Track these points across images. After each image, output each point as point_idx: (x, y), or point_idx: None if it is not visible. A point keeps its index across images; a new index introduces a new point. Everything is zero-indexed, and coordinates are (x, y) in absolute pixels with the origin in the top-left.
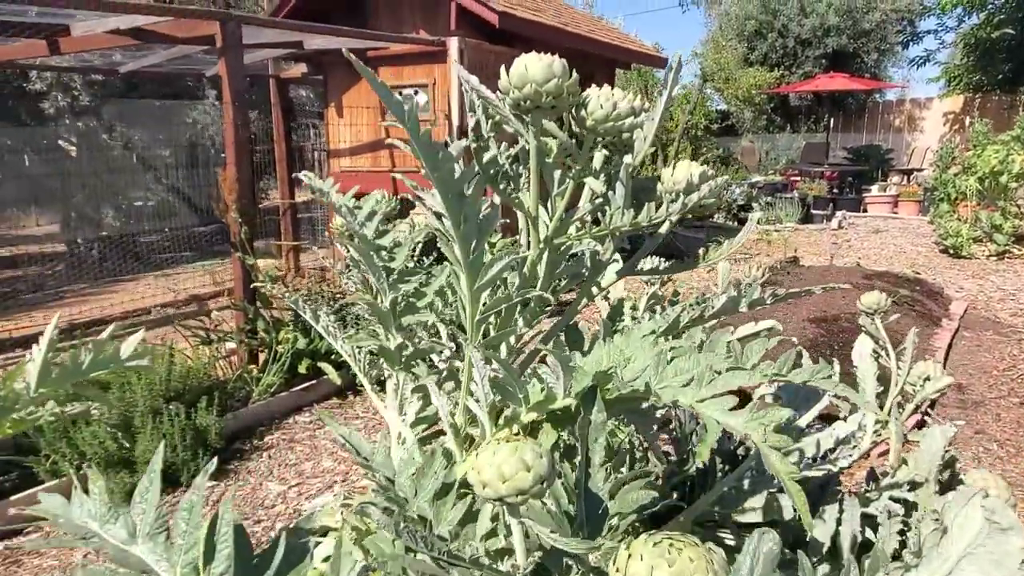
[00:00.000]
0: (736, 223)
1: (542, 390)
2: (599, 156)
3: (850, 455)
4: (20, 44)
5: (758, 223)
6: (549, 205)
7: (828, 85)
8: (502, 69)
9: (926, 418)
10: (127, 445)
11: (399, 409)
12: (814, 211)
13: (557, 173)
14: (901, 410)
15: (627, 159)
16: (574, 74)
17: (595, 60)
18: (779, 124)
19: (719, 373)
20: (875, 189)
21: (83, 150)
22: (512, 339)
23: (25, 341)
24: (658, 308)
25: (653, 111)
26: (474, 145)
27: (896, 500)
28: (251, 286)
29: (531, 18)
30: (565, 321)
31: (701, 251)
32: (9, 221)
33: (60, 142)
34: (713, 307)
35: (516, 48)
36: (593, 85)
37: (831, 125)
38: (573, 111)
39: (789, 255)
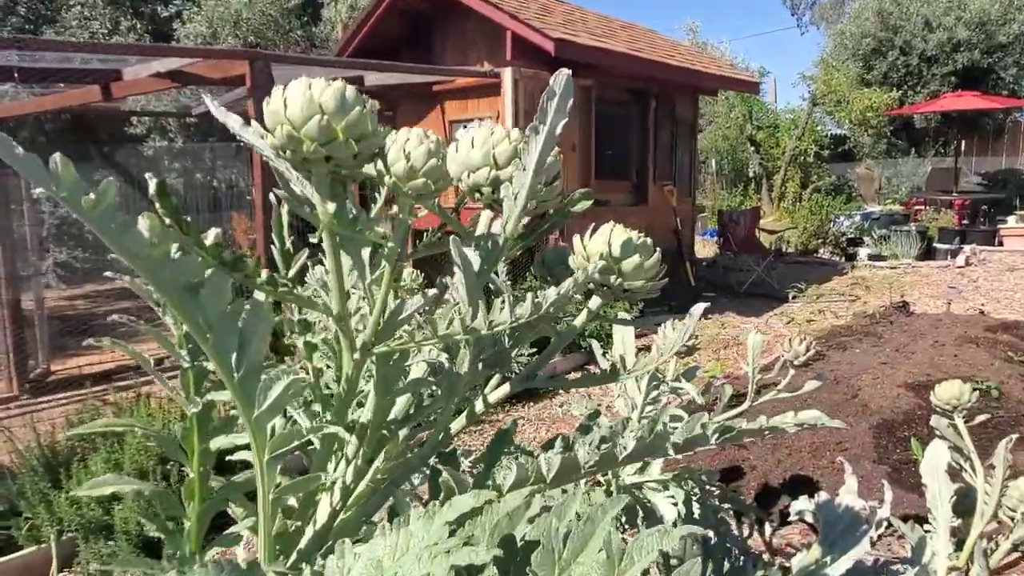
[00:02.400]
0: (844, 258)
1: None
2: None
3: None
4: (78, 91)
5: (869, 258)
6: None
7: (955, 105)
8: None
9: None
10: (108, 511)
11: None
12: (939, 245)
13: (366, 253)
14: (990, 550)
15: (486, 224)
16: (369, 105)
17: (674, 86)
18: (902, 148)
19: None
20: (1012, 220)
21: (186, 188)
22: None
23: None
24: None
25: (525, 157)
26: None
27: None
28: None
29: (593, 44)
30: (398, 477)
31: (619, 354)
32: None
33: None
34: (618, 452)
35: (580, 77)
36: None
37: (962, 148)
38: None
39: (896, 299)
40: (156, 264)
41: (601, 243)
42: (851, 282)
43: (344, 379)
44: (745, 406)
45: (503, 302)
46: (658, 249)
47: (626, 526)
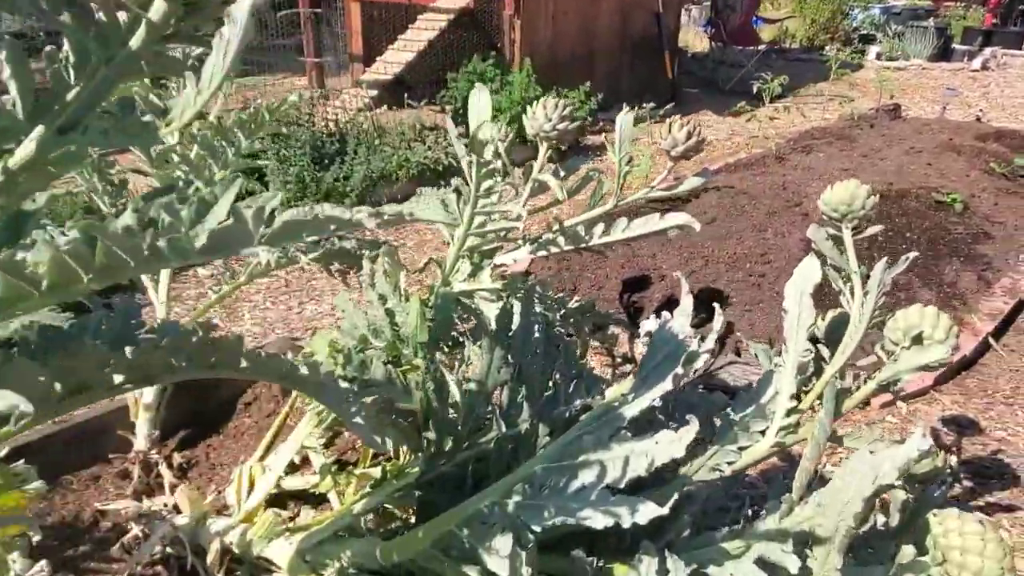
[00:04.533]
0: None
1: None
2: None
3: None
4: None
5: (878, 57)
6: None
7: None
8: None
9: (903, 407)
10: None
11: None
12: (959, 46)
13: None
14: (855, 389)
15: None
16: None
17: None
18: None
19: None
20: None
21: None
22: None
23: None
24: None
25: None
26: None
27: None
28: None
29: None
30: None
31: None
32: None
33: None
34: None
35: None
36: None
37: None
38: None
39: (888, 101)
40: None
41: None
42: (849, 83)
43: None
44: (608, 206)
45: None
46: None
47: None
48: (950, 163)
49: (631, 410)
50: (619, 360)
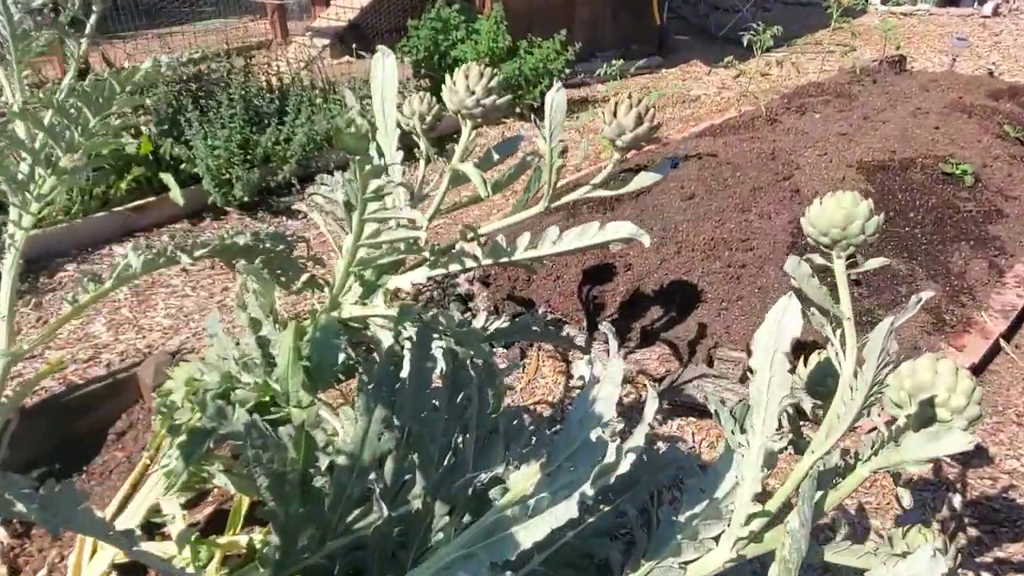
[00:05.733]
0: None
1: None
2: None
3: None
4: None
5: (883, 2)
6: None
7: None
8: None
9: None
10: None
11: None
12: None
13: None
14: (839, 474)
15: None
16: None
17: None
18: None
19: None
20: None
21: None
22: None
23: None
24: None
25: None
26: None
27: None
28: None
29: None
30: None
31: None
32: None
33: None
34: None
35: None
36: None
37: None
38: None
39: (893, 52)
40: None
41: None
42: (851, 31)
43: None
44: (538, 208)
45: None
46: None
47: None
48: (960, 126)
49: (526, 536)
50: (573, 367)
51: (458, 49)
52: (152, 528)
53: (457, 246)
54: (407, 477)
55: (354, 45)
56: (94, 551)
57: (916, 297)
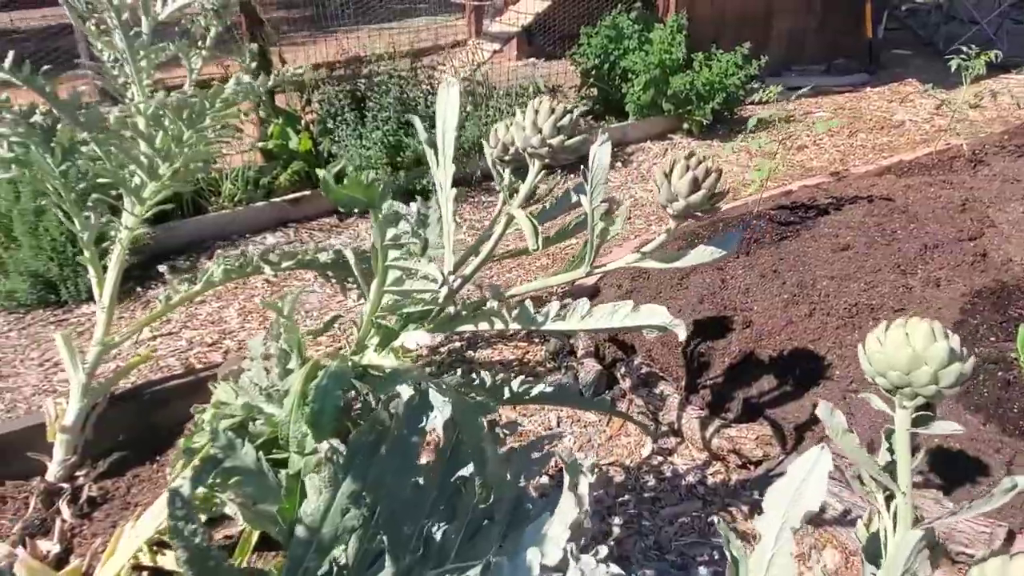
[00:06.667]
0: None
1: None
2: None
3: None
4: None
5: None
6: None
7: None
8: None
9: None
10: None
11: None
12: None
13: None
14: None
15: None
16: None
17: None
18: None
19: None
20: None
21: None
22: None
23: None
24: None
25: None
26: None
27: None
28: None
29: None
30: None
31: None
32: None
33: None
34: None
35: None
36: None
37: None
38: None
39: None
40: None
41: None
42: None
43: None
44: (581, 272)
45: None
46: None
47: None
48: None
49: None
50: (664, 429)
51: (628, 59)
52: (165, 545)
53: (487, 304)
54: (368, 561)
55: (514, 52)
56: (112, 551)
57: (1010, 480)
